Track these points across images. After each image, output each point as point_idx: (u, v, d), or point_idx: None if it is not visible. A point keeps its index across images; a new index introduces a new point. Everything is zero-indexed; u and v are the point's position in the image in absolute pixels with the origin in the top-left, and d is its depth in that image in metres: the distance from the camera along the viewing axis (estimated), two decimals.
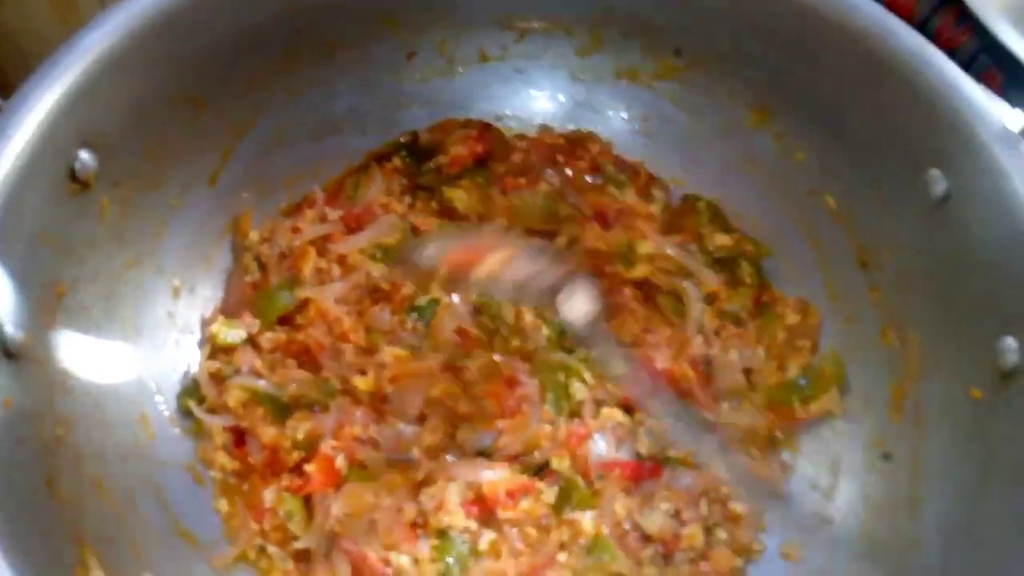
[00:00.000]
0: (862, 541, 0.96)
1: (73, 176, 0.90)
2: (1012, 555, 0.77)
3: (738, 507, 1.00)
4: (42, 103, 0.87)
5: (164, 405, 1.02)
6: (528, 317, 1.12)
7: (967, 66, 1.09)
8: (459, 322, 1.10)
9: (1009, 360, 0.86)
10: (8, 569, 0.68)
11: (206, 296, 1.11)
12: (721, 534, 0.99)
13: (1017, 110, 0.95)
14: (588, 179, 1.21)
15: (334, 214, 1.16)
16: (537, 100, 1.26)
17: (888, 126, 1.00)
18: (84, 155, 0.91)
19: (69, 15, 1.09)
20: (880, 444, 1.01)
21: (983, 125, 0.92)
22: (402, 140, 1.23)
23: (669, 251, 1.14)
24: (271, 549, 0.97)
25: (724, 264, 1.15)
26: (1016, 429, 0.84)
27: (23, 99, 0.87)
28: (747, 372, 1.09)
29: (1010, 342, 0.86)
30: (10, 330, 0.81)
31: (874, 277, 1.06)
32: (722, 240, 1.15)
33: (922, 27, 1.23)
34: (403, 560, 0.94)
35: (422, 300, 1.10)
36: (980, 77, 1.15)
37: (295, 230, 1.13)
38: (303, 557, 0.96)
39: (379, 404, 1.05)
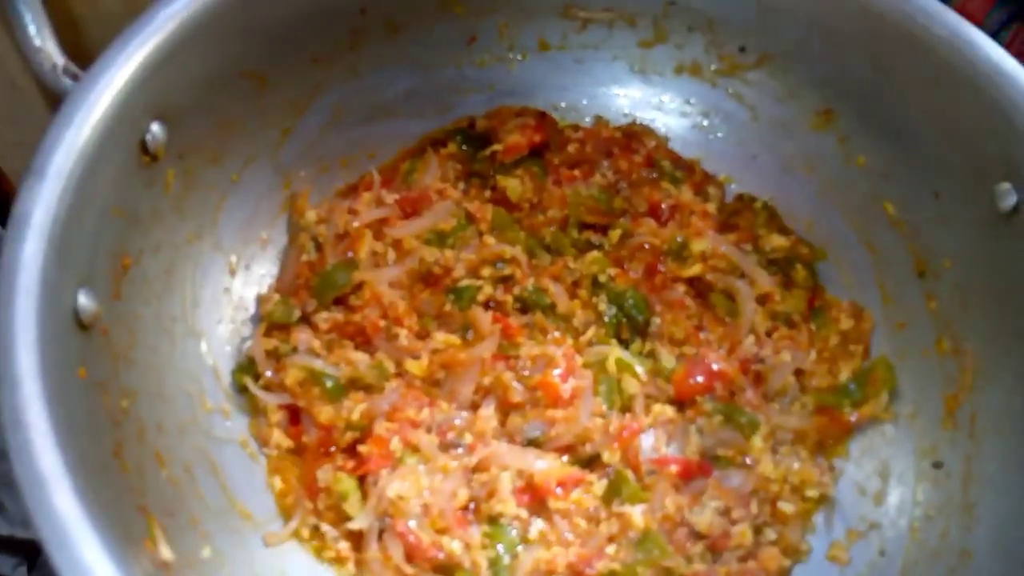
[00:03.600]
0: (911, 548, 0.96)
1: (144, 148, 0.91)
2: None
3: (787, 508, 1.01)
4: (119, 75, 0.87)
5: (220, 380, 1.03)
6: (581, 309, 1.12)
7: None
8: (496, 311, 1.10)
9: None
10: (99, 547, 0.67)
11: (262, 273, 1.11)
12: (770, 534, 0.99)
13: None
14: (643, 173, 1.21)
15: (390, 197, 1.15)
16: (595, 91, 1.26)
17: (957, 135, 1.00)
18: (155, 127, 0.91)
19: None
20: (932, 452, 1.01)
21: None
22: (458, 125, 1.23)
23: (724, 250, 1.13)
24: (324, 528, 0.97)
25: (778, 265, 1.14)
26: None
27: (100, 71, 0.87)
28: (798, 374, 1.09)
29: None
30: (84, 301, 0.81)
31: (931, 286, 1.06)
32: (778, 241, 1.15)
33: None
34: (455, 545, 0.94)
35: (463, 283, 1.10)
36: None
37: (352, 212, 1.13)
38: (356, 537, 0.97)
39: (432, 389, 1.06)
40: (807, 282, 1.14)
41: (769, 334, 1.12)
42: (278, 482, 1.00)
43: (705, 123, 1.24)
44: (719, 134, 1.23)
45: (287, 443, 1.02)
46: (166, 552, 0.79)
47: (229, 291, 1.07)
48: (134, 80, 0.87)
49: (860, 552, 1.00)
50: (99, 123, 0.84)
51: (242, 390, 1.03)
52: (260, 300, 1.09)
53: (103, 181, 0.85)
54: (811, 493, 1.02)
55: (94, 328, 0.83)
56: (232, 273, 1.08)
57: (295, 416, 1.03)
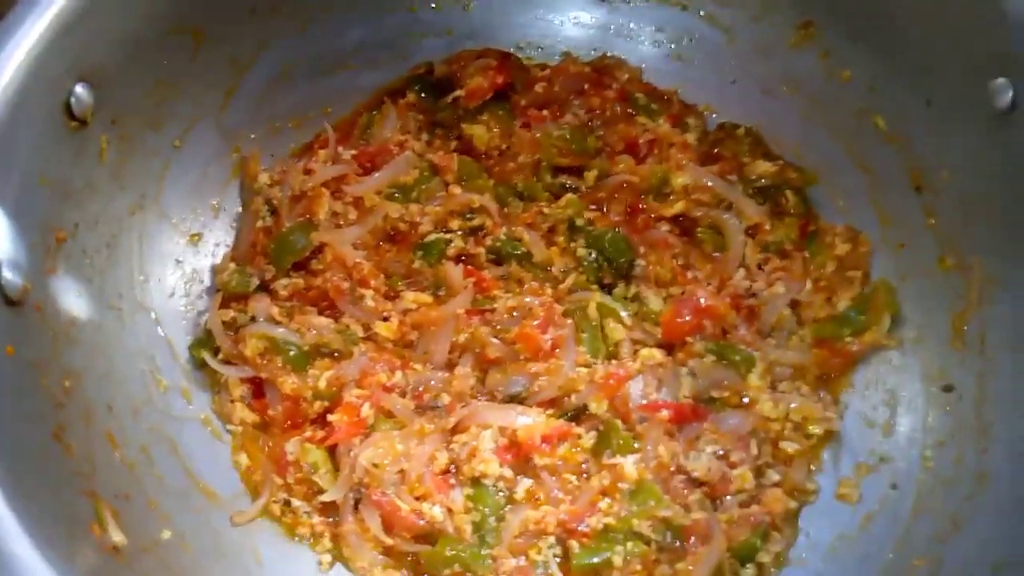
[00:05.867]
0: (925, 478, 0.90)
1: (69, 112, 0.84)
2: None
3: (790, 447, 0.94)
4: (31, 33, 0.80)
5: (177, 357, 0.97)
6: (559, 256, 1.06)
7: None
8: (469, 264, 1.03)
9: None
10: (22, 532, 0.62)
11: (215, 242, 1.05)
12: (773, 475, 0.93)
13: None
14: (617, 109, 1.13)
15: (347, 154, 1.08)
16: (560, 26, 1.18)
17: (946, 34, 0.92)
18: (80, 90, 0.84)
19: None
20: (941, 375, 0.94)
21: None
22: (416, 73, 1.15)
23: (708, 182, 1.06)
24: (296, 503, 0.92)
25: (767, 194, 1.07)
26: None
27: (11, 28, 0.80)
28: (794, 306, 1.02)
29: None
30: (9, 275, 0.75)
31: (930, 201, 0.99)
32: (764, 168, 1.07)
33: None
34: (436, 511, 0.88)
35: (431, 238, 1.03)
36: None
37: (307, 172, 1.06)
38: (330, 510, 0.91)
39: (404, 351, 1.00)
40: (798, 208, 1.07)
41: (761, 266, 1.05)
42: (244, 459, 0.94)
43: (679, 51, 1.16)
44: (695, 61, 1.16)
45: (252, 418, 0.96)
46: (117, 536, 0.73)
47: (181, 263, 1.01)
48: (49, 39, 0.81)
49: (871, 488, 0.93)
50: (11, 86, 0.78)
51: (201, 365, 0.97)
52: (215, 270, 1.03)
53: (22, 148, 0.79)
54: (815, 430, 0.96)
55: (25, 304, 0.77)
56: (183, 243, 1.02)
57: (259, 389, 0.97)
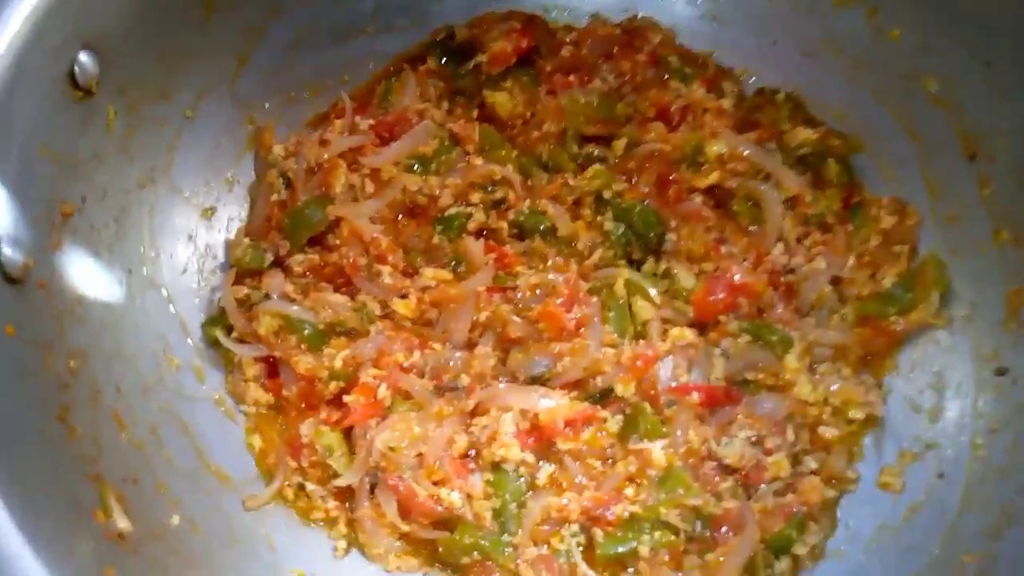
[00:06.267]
0: (975, 467, 0.84)
1: (74, 81, 0.81)
2: None
3: (828, 433, 0.89)
4: None
5: (189, 335, 0.94)
6: (585, 230, 1.01)
7: None
8: (490, 239, 0.99)
9: None
10: (11, 521, 0.60)
11: (229, 216, 1.02)
12: (810, 463, 0.89)
13: None
14: (649, 74, 1.07)
15: (365, 123, 1.04)
16: None
17: None
18: (84, 57, 0.81)
19: None
20: (993, 357, 0.89)
21: None
22: (437, 38, 1.10)
23: (744, 150, 1.00)
24: (310, 487, 0.89)
25: (807, 163, 1.01)
26: None
27: None
28: (835, 282, 0.97)
29: None
30: (9, 252, 0.73)
31: (984, 169, 0.92)
32: (805, 135, 1.01)
33: None
34: (455, 496, 0.85)
35: (451, 211, 0.99)
36: None
37: (323, 143, 1.02)
38: (345, 495, 0.89)
39: (423, 329, 0.96)
40: (841, 178, 1.01)
41: (800, 240, 0.99)
42: (258, 441, 0.92)
43: (715, 10, 1.09)
44: (732, 21, 1.09)
45: (266, 398, 0.93)
46: (122, 522, 0.71)
47: (193, 238, 0.98)
48: (49, 4, 0.77)
49: (915, 476, 0.88)
50: (9, 54, 0.75)
51: (214, 344, 0.94)
52: (229, 246, 1.00)
53: (23, 119, 0.76)
54: (856, 414, 0.91)
55: (27, 282, 0.75)
56: (195, 217, 0.99)
57: (273, 369, 0.94)
